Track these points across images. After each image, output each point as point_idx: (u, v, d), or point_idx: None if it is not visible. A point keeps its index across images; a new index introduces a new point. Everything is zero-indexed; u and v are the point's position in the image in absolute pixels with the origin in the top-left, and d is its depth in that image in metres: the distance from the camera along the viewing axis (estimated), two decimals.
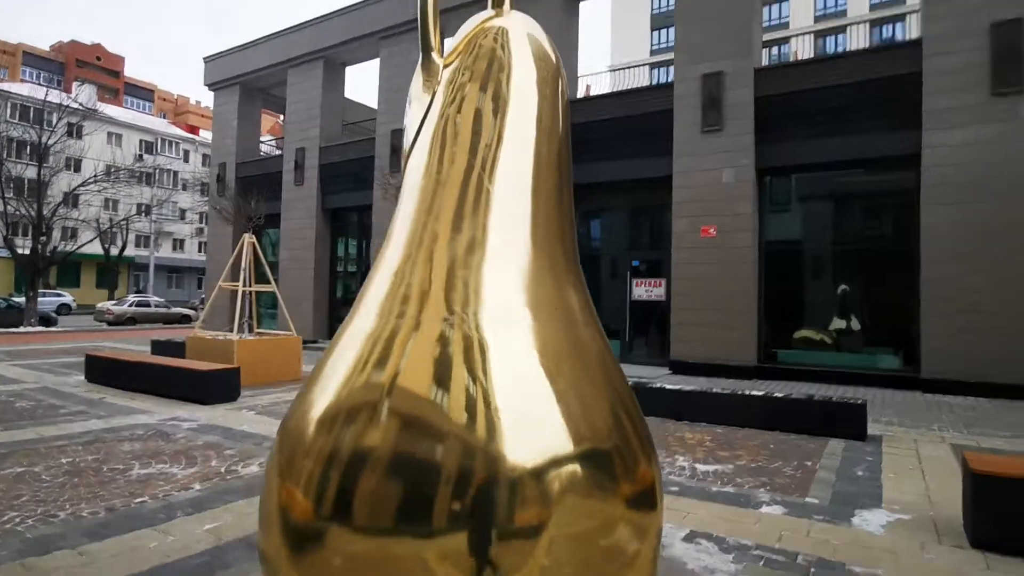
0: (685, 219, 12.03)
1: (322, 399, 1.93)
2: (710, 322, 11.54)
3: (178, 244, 53.58)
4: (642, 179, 12.94)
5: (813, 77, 11.35)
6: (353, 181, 17.61)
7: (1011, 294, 9.20)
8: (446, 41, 2.39)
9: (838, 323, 11.76)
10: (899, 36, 31.72)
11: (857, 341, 11.50)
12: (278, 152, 23.07)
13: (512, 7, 2.44)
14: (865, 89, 10.77)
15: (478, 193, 2.12)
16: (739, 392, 7.35)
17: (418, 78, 2.33)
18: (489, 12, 2.44)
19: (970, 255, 9.57)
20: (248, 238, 10.62)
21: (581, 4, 15.06)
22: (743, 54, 11.72)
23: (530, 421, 1.82)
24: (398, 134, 16.30)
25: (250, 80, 21.24)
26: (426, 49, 2.27)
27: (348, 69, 19.88)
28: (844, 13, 37.12)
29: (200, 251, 52.55)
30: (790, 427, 6.68)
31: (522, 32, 2.36)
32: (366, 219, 17.61)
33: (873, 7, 36.14)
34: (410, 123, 2.30)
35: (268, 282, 11.10)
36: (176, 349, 11.70)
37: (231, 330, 10.89)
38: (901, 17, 31.01)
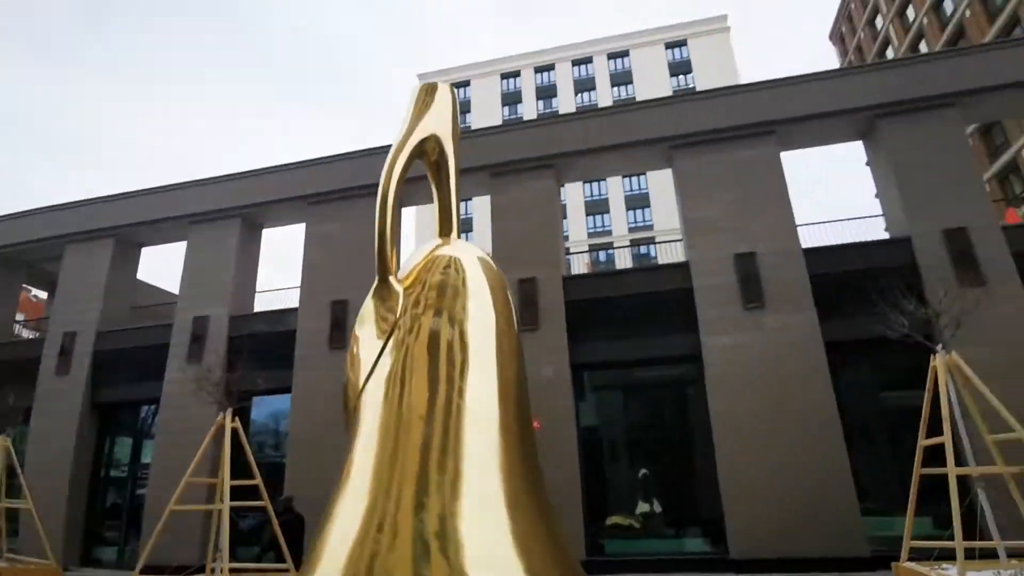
0: None
1: None
2: None
3: None
4: None
5: (611, 287, 13.25)
6: (137, 371, 15.37)
7: (784, 471, 10.67)
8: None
9: (643, 507, 12.46)
10: (652, 254, 39.14)
11: (660, 524, 12.18)
12: (30, 335, 19.57)
13: (458, 236, 2.57)
14: (651, 299, 12.78)
15: (447, 415, 2.01)
16: None
17: (370, 303, 2.25)
18: (437, 241, 2.54)
19: (750, 439, 11.10)
20: (3, 441, 8.54)
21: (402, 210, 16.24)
22: (552, 263, 13.34)
23: None
24: (200, 321, 15.01)
25: (12, 253, 18.43)
26: (384, 274, 2.23)
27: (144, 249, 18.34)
28: (610, 232, 45.05)
29: None
30: None
31: (472, 257, 2.46)
32: (149, 415, 15.24)
33: (631, 229, 44.49)
34: (364, 356, 2.17)
35: (22, 496, 8.78)
36: None
37: None
38: (652, 239, 38.79)
